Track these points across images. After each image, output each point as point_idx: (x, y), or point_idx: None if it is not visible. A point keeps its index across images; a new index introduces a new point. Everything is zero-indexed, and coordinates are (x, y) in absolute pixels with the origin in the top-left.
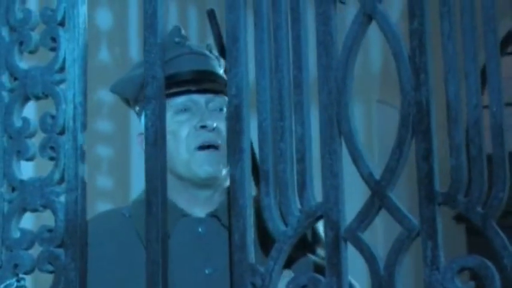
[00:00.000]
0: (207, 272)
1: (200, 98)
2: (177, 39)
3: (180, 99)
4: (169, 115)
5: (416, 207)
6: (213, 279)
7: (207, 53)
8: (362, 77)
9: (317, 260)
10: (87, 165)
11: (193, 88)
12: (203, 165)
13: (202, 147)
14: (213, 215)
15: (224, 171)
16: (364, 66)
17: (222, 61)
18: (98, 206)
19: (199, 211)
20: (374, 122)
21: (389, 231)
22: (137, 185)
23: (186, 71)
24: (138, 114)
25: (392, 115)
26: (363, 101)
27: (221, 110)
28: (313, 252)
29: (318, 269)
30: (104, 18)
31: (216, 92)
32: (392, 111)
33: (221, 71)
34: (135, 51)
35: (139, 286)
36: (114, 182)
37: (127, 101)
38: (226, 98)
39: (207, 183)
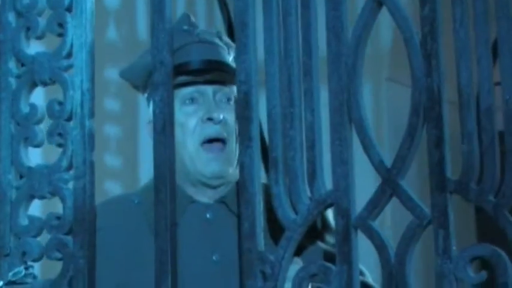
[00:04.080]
0: (214, 258)
1: (207, 89)
2: (185, 27)
3: (187, 90)
4: (176, 106)
5: (427, 195)
6: (220, 266)
7: (216, 41)
8: (371, 55)
9: (327, 248)
10: (96, 145)
11: (200, 79)
12: (209, 165)
13: (208, 142)
14: (221, 201)
15: (231, 170)
16: (373, 44)
17: (233, 47)
18: (106, 186)
19: (208, 198)
20: (383, 100)
21: (397, 219)
22: (145, 164)
23: (194, 61)
24: (147, 101)
25: (401, 93)
26: (372, 80)
27: (229, 100)
28: (323, 240)
29: (329, 256)
30: None
31: (223, 82)
32: (402, 89)
33: (230, 59)
34: (143, 30)
35: (147, 273)
36: (123, 162)
37: (136, 87)
38: (234, 88)
39: (214, 183)
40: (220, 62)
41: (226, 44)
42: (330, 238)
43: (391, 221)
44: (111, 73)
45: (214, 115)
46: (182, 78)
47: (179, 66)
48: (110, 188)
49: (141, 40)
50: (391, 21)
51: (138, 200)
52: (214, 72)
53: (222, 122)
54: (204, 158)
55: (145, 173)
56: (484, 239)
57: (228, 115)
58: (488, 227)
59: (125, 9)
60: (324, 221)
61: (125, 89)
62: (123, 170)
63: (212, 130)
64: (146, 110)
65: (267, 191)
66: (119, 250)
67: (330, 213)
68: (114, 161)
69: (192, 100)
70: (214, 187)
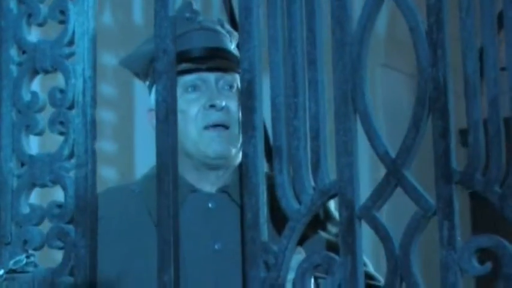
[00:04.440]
0: (216, 247)
1: (210, 76)
2: (187, 15)
3: (190, 77)
4: (178, 93)
5: (427, 187)
6: (222, 255)
7: (218, 28)
8: None
9: (329, 238)
10: None
11: (203, 66)
12: (211, 144)
13: (210, 127)
14: (223, 190)
15: (234, 151)
16: None
17: (235, 35)
18: (102, 171)
19: (209, 187)
20: (378, 86)
21: (392, 209)
22: (141, 150)
23: (196, 48)
24: (148, 89)
25: (396, 79)
26: (367, 65)
27: (231, 87)
28: (325, 229)
29: (331, 246)
30: None
31: (226, 69)
32: (397, 75)
33: (232, 46)
34: (139, 15)
35: (149, 262)
36: (118, 147)
37: (137, 75)
38: (236, 75)
39: (217, 163)
40: (222, 49)
41: (228, 31)
42: (332, 228)
43: (387, 211)
44: (107, 58)
45: (217, 102)
46: (184, 66)
47: (181, 54)
48: (105, 174)
49: (137, 25)
50: (387, 8)
51: (138, 189)
52: (217, 59)
53: (225, 109)
54: (207, 138)
55: (141, 159)
56: (478, 225)
57: (230, 102)
58: (483, 213)
59: None
60: (326, 210)
61: (121, 75)
62: (119, 155)
63: (215, 116)
64: (142, 96)
65: (268, 181)
66: (120, 239)
67: (331, 203)
68: (110, 146)
69: (194, 87)
70: (217, 168)
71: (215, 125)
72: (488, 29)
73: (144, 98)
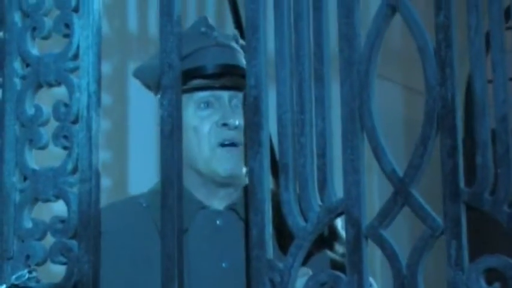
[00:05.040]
0: (224, 265)
1: (223, 94)
2: (203, 29)
3: (203, 94)
4: (190, 110)
5: (435, 206)
6: (230, 273)
7: (233, 44)
8: None
9: (335, 257)
10: None
11: (217, 84)
12: (224, 163)
13: (224, 144)
14: (231, 208)
15: (245, 170)
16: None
17: None
18: None
19: (218, 204)
20: None
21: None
22: (135, 158)
23: (211, 65)
24: (160, 103)
25: (391, 90)
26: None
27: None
28: (331, 248)
29: (336, 266)
30: None
31: (239, 87)
32: (391, 85)
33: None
34: (134, 23)
35: (154, 277)
36: (112, 155)
37: (149, 87)
38: None
39: (227, 182)
40: (237, 67)
41: (242, 47)
42: (339, 247)
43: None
44: (102, 67)
45: (230, 121)
46: (198, 82)
47: (195, 70)
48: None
49: (133, 34)
50: None
51: (146, 203)
52: (231, 76)
53: (238, 128)
54: (220, 155)
55: (135, 167)
56: (474, 237)
57: (242, 121)
58: (479, 225)
59: (116, 3)
60: (333, 229)
61: (115, 83)
62: (113, 163)
63: (227, 135)
64: (136, 104)
65: (273, 197)
66: (126, 253)
67: (338, 222)
68: (104, 154)
69: (207, 104)
70: (226, 185)
71: (227, 144)
72: (496, 48)
73: (138, 106)
